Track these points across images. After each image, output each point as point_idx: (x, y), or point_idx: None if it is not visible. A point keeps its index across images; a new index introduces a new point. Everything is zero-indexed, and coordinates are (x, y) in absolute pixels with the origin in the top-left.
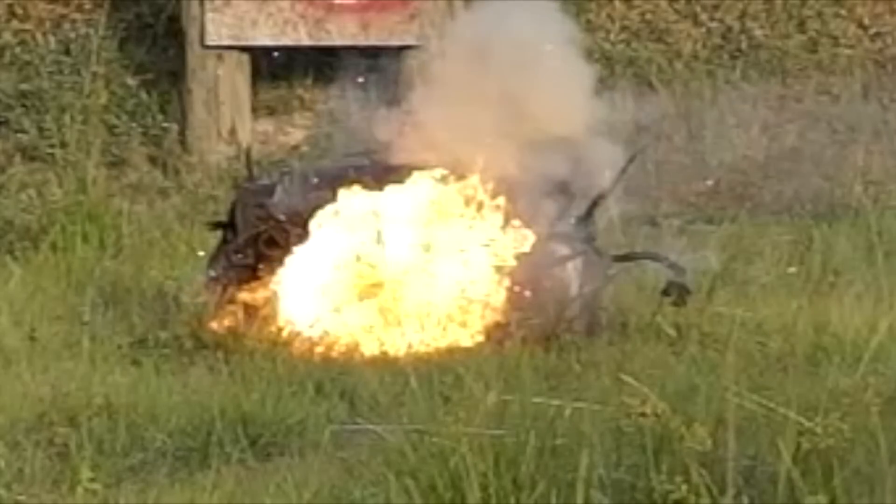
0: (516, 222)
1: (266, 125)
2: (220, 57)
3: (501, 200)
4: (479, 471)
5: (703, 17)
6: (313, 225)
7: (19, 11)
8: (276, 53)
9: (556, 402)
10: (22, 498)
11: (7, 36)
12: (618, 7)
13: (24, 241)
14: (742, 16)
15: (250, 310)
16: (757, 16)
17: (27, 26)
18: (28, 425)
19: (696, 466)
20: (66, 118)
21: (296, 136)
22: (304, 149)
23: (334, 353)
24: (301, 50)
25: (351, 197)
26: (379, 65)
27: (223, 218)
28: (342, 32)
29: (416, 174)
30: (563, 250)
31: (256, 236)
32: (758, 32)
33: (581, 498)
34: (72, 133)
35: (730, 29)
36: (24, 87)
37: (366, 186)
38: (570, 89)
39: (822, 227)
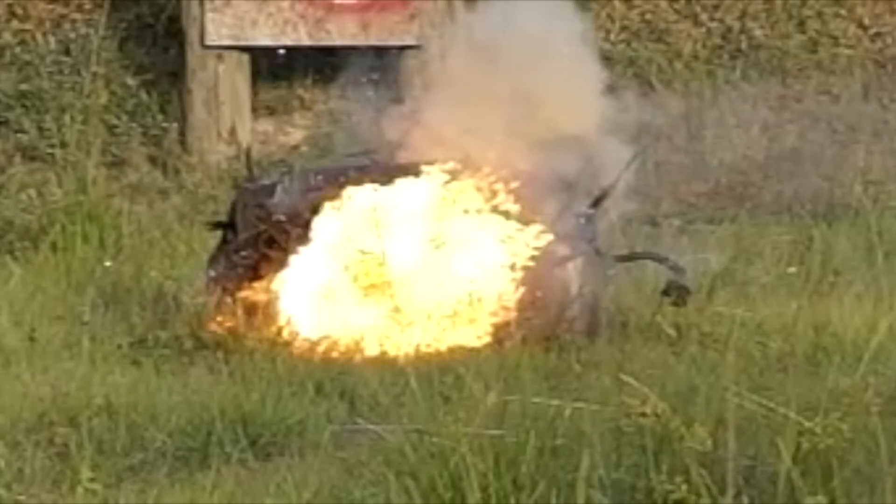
0: (526, 220)
1: (266, 125)
2: (220, 57)
3: (509, 198)
4: (479, 471)
5: (703, 17)
6: (318, 222)
7: (19, 11)
8: (282, 51)
9: (556, 402)
10: (22, 498)
11: (7, 36)
12: (618, 7)
13: (24, 241)
14: (742, 16)
15: (250, 310)
16: (757, 16)
17: (27, 26)
18: (28, 425)
19: (696, 466)
20: (66, 118)
21: (296, 136)
22: (304, 149)
23: (334, 354)
24: (301, 50)
25: (355, 194)
26: (379, 65)
27: (223, 218)
28: (342, 32)
29: (421, 171)
30: (566, 250)
31: (256, 236)
32: (758, 32)
33: (581, 498)
34: (72, 133)
35: (730, 29)
36: (24, 87)
37: (373, 182)
38: (580, 87)
39: (822, 227)
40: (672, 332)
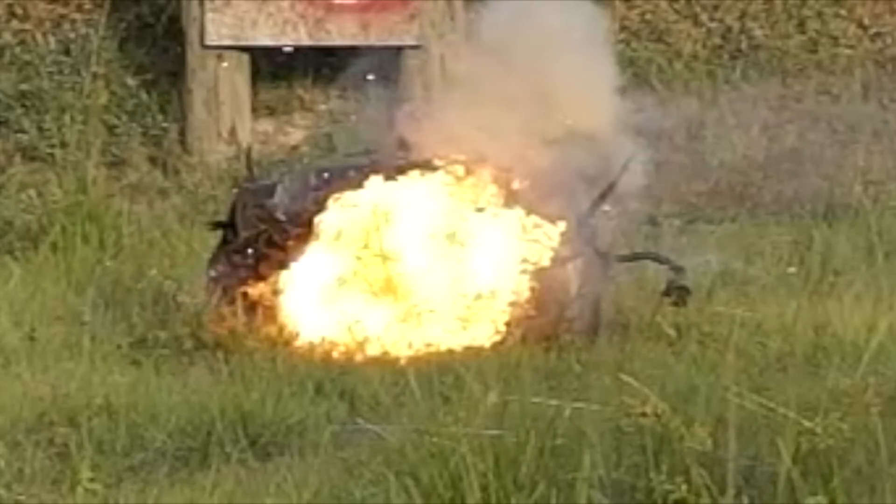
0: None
1: (266, 125)
2: (220, 57)
3: (520, 196)
4: (479, 471)
5: (703, 17)
6: (322, 219)
7: (19, 11)
8: (288, 49)
9: (556, 402)
10: (22, 498)
11: (7, 36)
12: (618, 7)
13: (24, 241)
14: (742, 16)
15: (251, 310)
16: (757, 16)
17: (27, 26)
18: (28, 425)
19: (696, 466)
20: (66, 118)
21: (296, 136)
22: (304, 149)
23: (334, 354)
24: (301, 50)
25: (359, 191)
26: (379, 65)
27: (223, 218)
28: (342, 32)
29: (421, 170)
30: (571, 249)
31: (256, 236)
32: (758, 32)
33: (582, 498)
34: (72, 133)
35: (730, 29)
36: (24, 87)
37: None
38: (594, 84)
39: (822, 227)
40: (672, 332)
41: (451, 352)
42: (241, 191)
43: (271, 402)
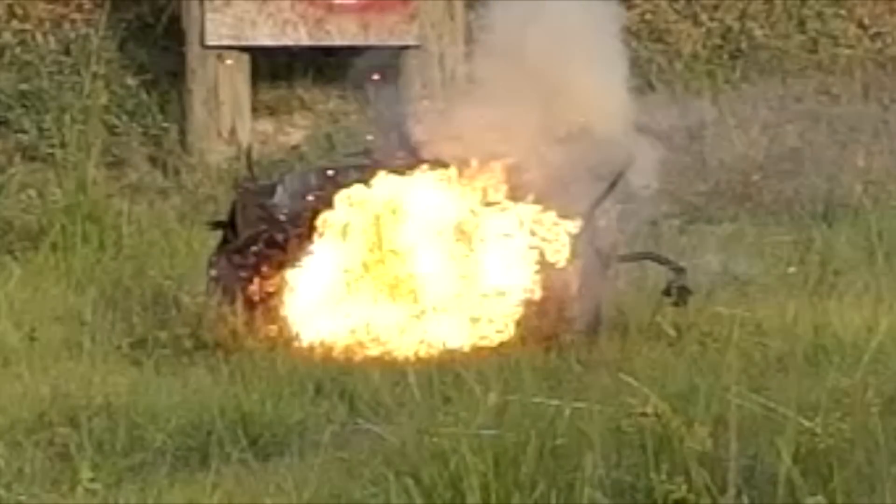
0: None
1: (266, 125)
2: (220, 57)
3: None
4: (479, 471)
5: (703, 17)
6: (327, 217)
7: (19, 11)
8: (295, 50)
9: (556, 402)
10: (22, 498)
11: (7, 36)
12: None
13: (24, 241)
14: (742, 16)
15: (251, 309)
16: (757, 16)
17: (27, 26)
18: (28, 425)
19: (696, 466)
20: (66, 118)
21: (296, 136)
22: (304, 149)
23: (334, 354)
24: (301, 50)
25: (363, 189)
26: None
27: (223, 218)
28: (342, 32)
29: (421, 169)
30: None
31: (256, 236)
32: (758, 32)
33: (584, 498)
34: (72, 133)
35: (730, 29)
36: (24, 87)
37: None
38: (607, 81)
39: (822, 227)
40: (672, 332)
41: (451, 352)
42: (241, 191)
43: (271, 402)
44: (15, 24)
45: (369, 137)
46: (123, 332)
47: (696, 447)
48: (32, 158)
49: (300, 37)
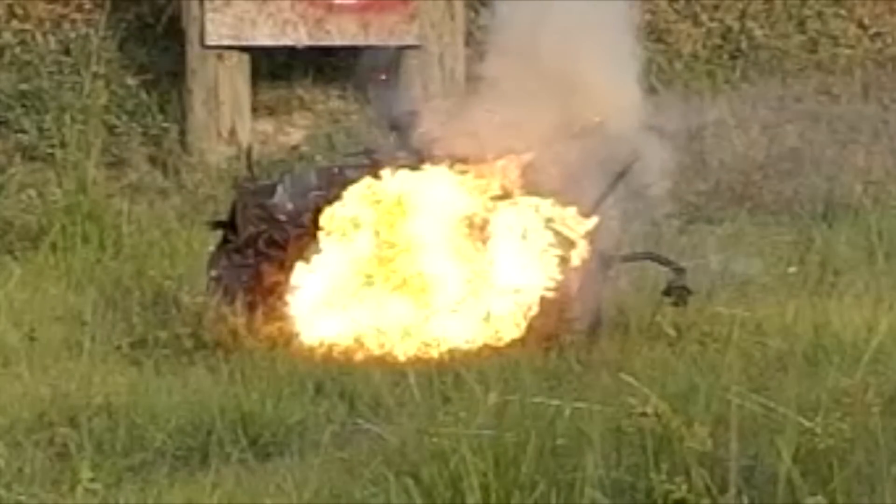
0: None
1: (266, 125)
2: (220, 57)
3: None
4: (479, 471)
5: (703, 17)
6: (336, 211)
7: (19, 11)
8: (300, 48)
9: (556, 402)
10: (22, 498)
11: (7, 36)
12: None
13: (24, 241)
14: (742, 16)
15: (251, 309)
16: (757, 16)
17: (27, 26)
18: (28, 425)
19: (696, 466)
20: (66, 118)
21: (296, 136)
22: (304, 149)
23: (334, 353)
24: (301, 50)
25: (368, 187)
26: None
27: (223, 218)
28: (342, 32)
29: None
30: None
31: (256, 236)
32: (758, 32)
33: (586, 498)
34: (72, 133)
35: (730, 29)
36: (24, 87)
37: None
38: (620, 78)
39: (822, 227)
40: (672, 332)
41: (451, 351)
42: (241, 191)
43: (271, 402)
44: (15, 24)
45: (378, 134)
46: (123, 332)
47: (696, 447)
48: (32, 158)
49: (300, 37)
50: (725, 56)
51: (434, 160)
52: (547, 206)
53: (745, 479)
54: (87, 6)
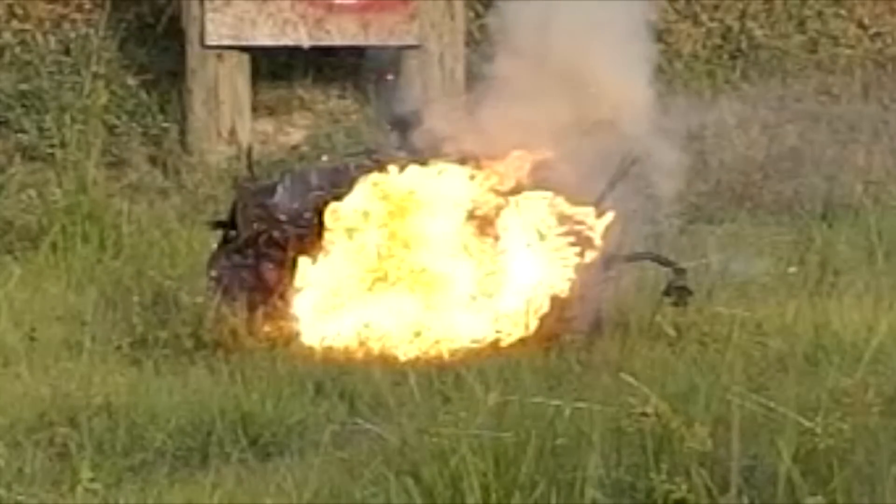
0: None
1: (266, 125)
2: (220, 57)
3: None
4: (479, 471)
5: (703, 17)
6: (342, 208)
7: (19, 11)
8: (306, 48)
9: (556, 402)
10: (22, 498)
11: (7, 36)
12: None
13: (24, 241)
14: (742, 16)
15: (252, 309)
16: (757, 16)
17: (27, 26)
18: (28, 425)
19: (696, 466)
20: (66, 118)
21: (296, 136)
22: (304, 149)
23: (334, 353)
24: (301, 50)
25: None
26: (379, 65)
27: (223, 218)
28: (342, 32)
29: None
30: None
31: (257, 236)
32: (758, 32)
33: (587, 498)
34: (72, 133)
35: (730, 29)
36: (24, 87)
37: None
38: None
39: (822, 227)
40: (672, 332)
41: (451, 352)
42: (242, 190)
43: (271, 402)
44: (15, 24)
45: (379, 133)
46: (123, 332)
47: (696, 447)
48: (32, 158)
49: (300, 37)
50: (725, 56)
51: (443, 157)
52: (562, 202)
53: (746, 479)
54: (87, 6)
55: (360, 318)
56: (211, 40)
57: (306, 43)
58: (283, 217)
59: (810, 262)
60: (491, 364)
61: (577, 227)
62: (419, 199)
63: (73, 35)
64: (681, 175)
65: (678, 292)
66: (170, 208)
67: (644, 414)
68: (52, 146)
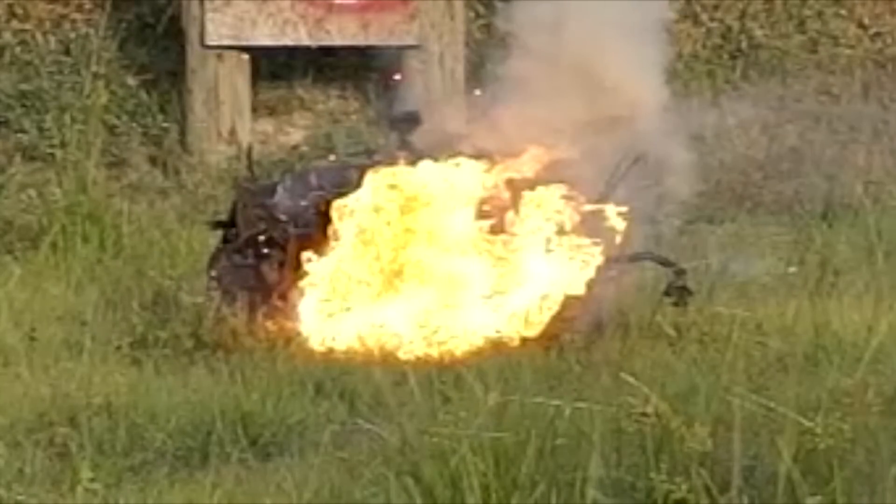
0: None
1: (266, 125)
2: (220, 57)
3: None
4: (479, 471)
5: (704, 17)
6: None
7: (19, 11)
8: (311, 47)
9: (556, 402)
10: (22, 498)
11: (7, 36)
12: None
13: (24, 241)
14: (742, 16)
15: (252, 309)
16: (757, 16)
17: (27, 26)
18: (28, 425)
19: (696, 466)
20: (66, 118)
21: (296, 136)
22: (304, 149)
23: (335, 353)
24: (301, 50)
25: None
26: (379, 64)
27: (223, 218)
28: (342, 32)
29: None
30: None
31: (256, 236)
32: (758, 32)
33: (588, 498)
34: (72, 133)
35: (730, 29)
36: (24, 87)
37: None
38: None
39: (822, 227)
40: (672, 332)
41: (451, 352)
42: (241, 191)
43: (271, 402)
44: (15, 24)
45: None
46: (123, 332)
47: (696, 447)
48: (32, 158)
49: (300, 37)
50: (725, 56)
51: (456, 155)
52: (578, 198)
53: (746, 479)
54: (87, 6)
55: (368, 317)
56: (211, 40)
57: (314, 43)
58: (283, 217)
59: (810, 262)
60: (491, 364)
61: (597, 225)
62: (431, 195)
63: (73, 35)
64: (693, 175)
65: (678, 292)
66: (170, 208)
67: (644, 414)
68: (52, 146)
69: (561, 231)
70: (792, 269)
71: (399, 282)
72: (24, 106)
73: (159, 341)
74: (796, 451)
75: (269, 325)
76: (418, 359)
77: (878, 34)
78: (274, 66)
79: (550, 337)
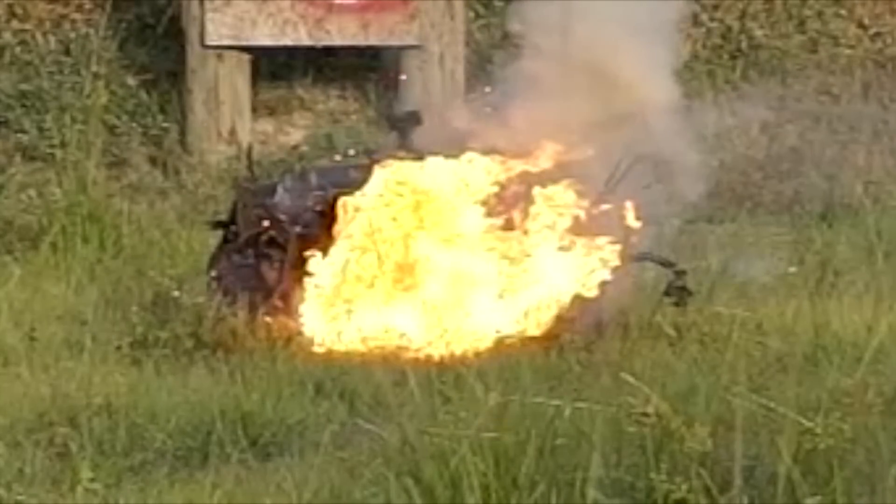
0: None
1: (266, 125)
2: (220, 57)
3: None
4: (479, 471)
5: (704, 17)
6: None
7: (19, 11)
8: (312, 47)
9: (556, 402)
10: (22, 498)
11: (7, 36)
12: None
13: (24, 241)
14: (742, 16)
15: (252, 309)
16: (757, 16)
17: (27, 26)
18: (28, 425)
19: (696, 466)
20: (66, 118)
21: (296, 136)
22: (304, 149)
23: (335, 353)
24: (301, 50)
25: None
26: (379, 64)
27: (223, 218)
28: (342, 32)
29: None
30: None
31: (256, 236)
32: (758, 32)
33: (589, 498)
34: (72, 133)
35: (730, 29)
36: (24, 87)
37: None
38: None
39: (822, 227)
40: (672, 332)
41: (451, 352)
42: (241, 191)
43: (271, 402)
44: (15, 24)
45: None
46: (123, 332)
47: (696, 447)
48: (32, 158)
49: (300, 37)
50: (725, 56)
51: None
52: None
53: (746, 479)
54: (87, 6)
55: (374, 317)
56: (211, 40)
57: (314, 43)
58: (283, 217)
59: (810, 262)
60: (491, 364)
61: (610, 224)
62: (440, 192)
63: (73, 35)
64: (701, 175)
65: (678, 292)
66: (170, 208)
67: (644, 414)
68: (52, 146)
69: (573, 230)
70: (792, 269)
71: (408, 280)
72: (24, 106)
73: (159, 341)
74: (796, 451)
75: (270, 325)
76: (418, 359)
77: (878, 34)
78: (274, 66)
79: (550, 337)
